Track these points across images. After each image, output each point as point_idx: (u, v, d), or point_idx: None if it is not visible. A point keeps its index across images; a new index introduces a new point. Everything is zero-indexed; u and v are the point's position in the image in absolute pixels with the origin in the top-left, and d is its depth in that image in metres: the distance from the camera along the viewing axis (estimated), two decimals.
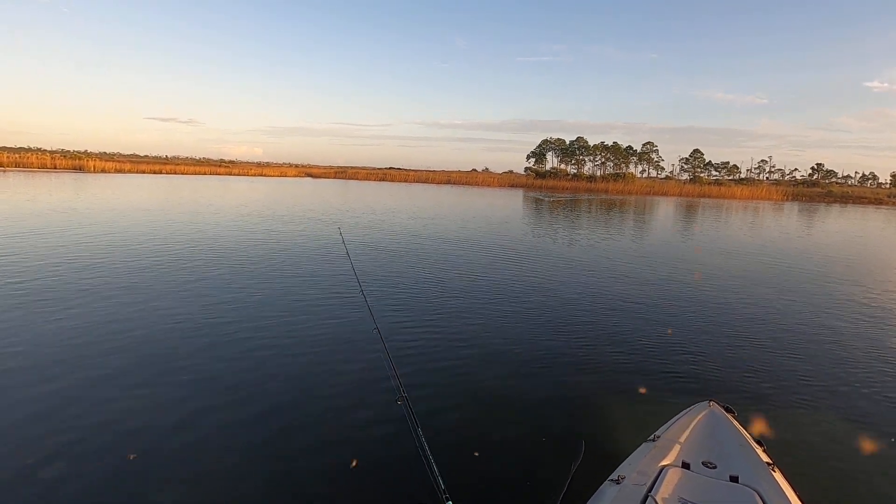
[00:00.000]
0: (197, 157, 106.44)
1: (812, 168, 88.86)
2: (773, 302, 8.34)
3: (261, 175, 66.43)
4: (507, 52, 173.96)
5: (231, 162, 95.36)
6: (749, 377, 5.13)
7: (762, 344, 6.20)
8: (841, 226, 25.98)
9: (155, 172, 56.62)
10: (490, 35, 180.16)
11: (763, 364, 5.50)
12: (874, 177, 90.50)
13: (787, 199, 55.15)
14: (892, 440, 3.96)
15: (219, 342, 5.47)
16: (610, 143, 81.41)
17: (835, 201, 55.98)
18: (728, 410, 2.89)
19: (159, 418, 3.85)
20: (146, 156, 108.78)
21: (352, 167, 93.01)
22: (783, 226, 24.15)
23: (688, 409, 2.99)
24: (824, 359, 5.77)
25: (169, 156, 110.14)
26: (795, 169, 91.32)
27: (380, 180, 67.09)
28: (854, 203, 54.38)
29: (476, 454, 3.55)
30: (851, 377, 5.24)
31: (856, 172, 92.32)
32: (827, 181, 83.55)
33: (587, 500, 2.24)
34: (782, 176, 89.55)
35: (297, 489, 3.13)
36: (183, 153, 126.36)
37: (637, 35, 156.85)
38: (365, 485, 3.18)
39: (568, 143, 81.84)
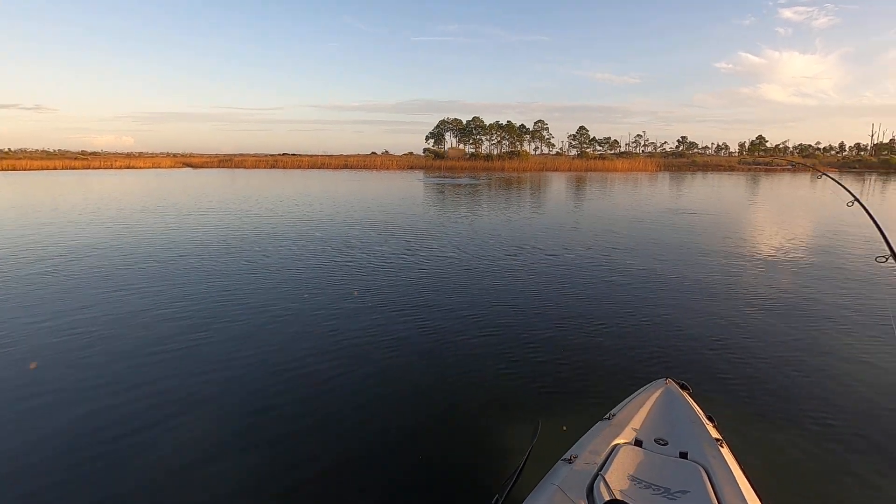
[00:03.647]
0: (51, 150, 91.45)
1: (678, 141, 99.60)
2: (727, 278, 8.25)
3: (128, 167, 58.53)
4: (402, 32, 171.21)
5: (92, 154, 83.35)
6: (705, 354, 5.12)
7: (719, 320, 6.14)
8: (738, 193, 29.03)
9: None
10: (381, 14, 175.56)
11: (718, 341, 5.47)
12: (726, 146, 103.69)
13: (660, 170, 60.95)
14: (833, 416, 3.96)
15: None
16: (504, 123, 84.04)
17: (698, 170, 63.04)
18: (683, 387, 2.92)
19: None
20: None
21: (239, 155, 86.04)
22: (685, 195, 26.23)
23: (645, 386, 2.99)
24: (774, 335, 5.68)
25: (12, 149, 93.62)
26: (665, 142, 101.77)
27: (270, 167, 62.66)
28: (713, 171, 61.65)
29: (435, 432, 3.68)
30: (798, 353, 5.16)
31: (712, 143, 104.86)
32: (691, 152, 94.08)
33: (540, 480, 2.23)
34: (655, 149, 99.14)
35: None
36: (32, 146, 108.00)
37: (526, 18, 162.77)
38: None
39: (465, 122, 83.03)
